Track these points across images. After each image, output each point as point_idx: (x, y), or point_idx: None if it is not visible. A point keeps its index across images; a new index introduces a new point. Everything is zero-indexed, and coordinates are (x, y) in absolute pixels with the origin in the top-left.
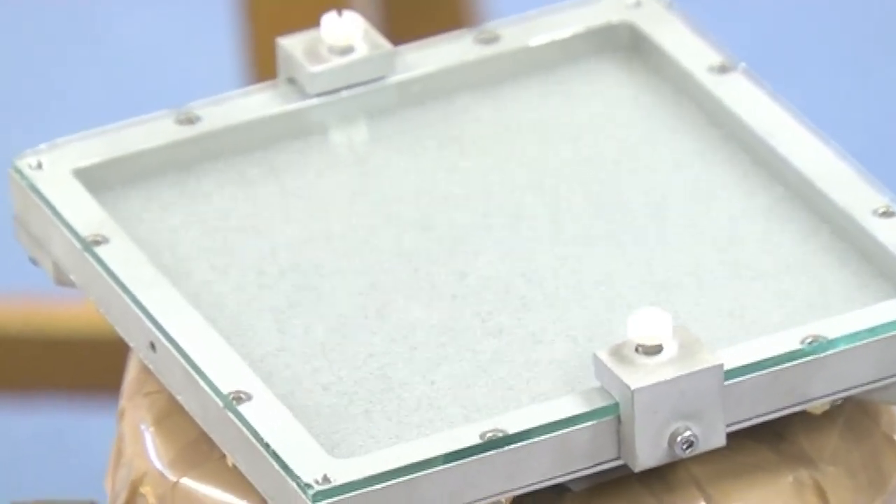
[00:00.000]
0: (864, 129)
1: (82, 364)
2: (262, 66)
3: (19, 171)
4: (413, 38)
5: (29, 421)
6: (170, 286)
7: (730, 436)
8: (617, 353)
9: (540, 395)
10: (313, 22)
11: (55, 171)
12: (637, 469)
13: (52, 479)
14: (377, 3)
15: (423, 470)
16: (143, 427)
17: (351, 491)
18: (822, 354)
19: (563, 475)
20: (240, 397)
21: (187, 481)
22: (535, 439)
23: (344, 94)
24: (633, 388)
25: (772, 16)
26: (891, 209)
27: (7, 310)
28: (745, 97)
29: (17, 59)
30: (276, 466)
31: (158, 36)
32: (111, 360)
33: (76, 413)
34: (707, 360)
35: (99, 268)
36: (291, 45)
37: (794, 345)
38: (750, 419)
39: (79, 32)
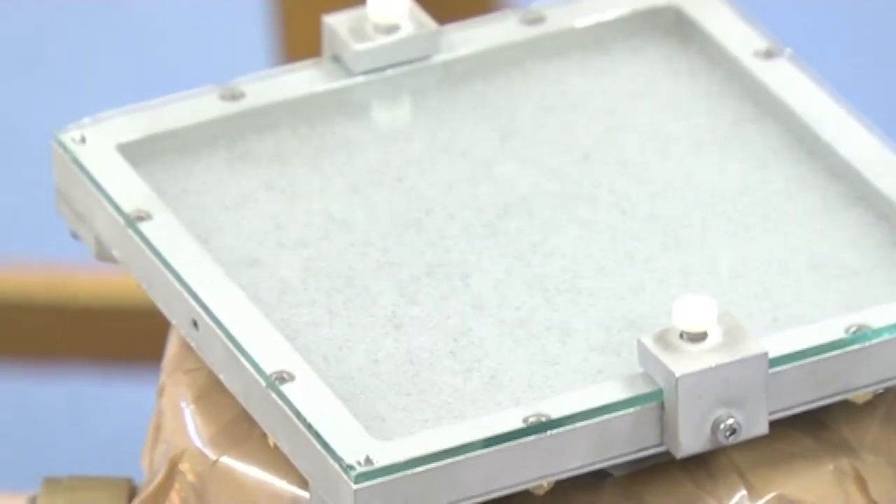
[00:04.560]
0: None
1: (107, 333)
2: (294, 43)
3: (62, 145)
4: (453, 18)
5: (51, 390)
6: (213, 263)
7: (771, 424)
8: (661, 339)
9: (583, 381)
10: (346, 1)
11: (98, 145)
12: (679, 456)
13: (75, 449)
14: None
15: (465, 453)
16: (182, 404)
17: (393, 473)
18: (865, 344)
19: (605, 460)
20: (283, 377)
21: (227, 459)
22: (578, 424)
23: (389, 72)
24: (677, 374)
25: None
26: None
27: (29, 278)
28: (790, 83)
29: (50, 34)
30: (319, 447)
31: (189, 12)
32: (136, 330)
33: (100, 382)
34: (752, 348)
35: (142, 244)
36: (337, 22)
37: (839, 334)
38: (792, 408)
39: (112, 8)
